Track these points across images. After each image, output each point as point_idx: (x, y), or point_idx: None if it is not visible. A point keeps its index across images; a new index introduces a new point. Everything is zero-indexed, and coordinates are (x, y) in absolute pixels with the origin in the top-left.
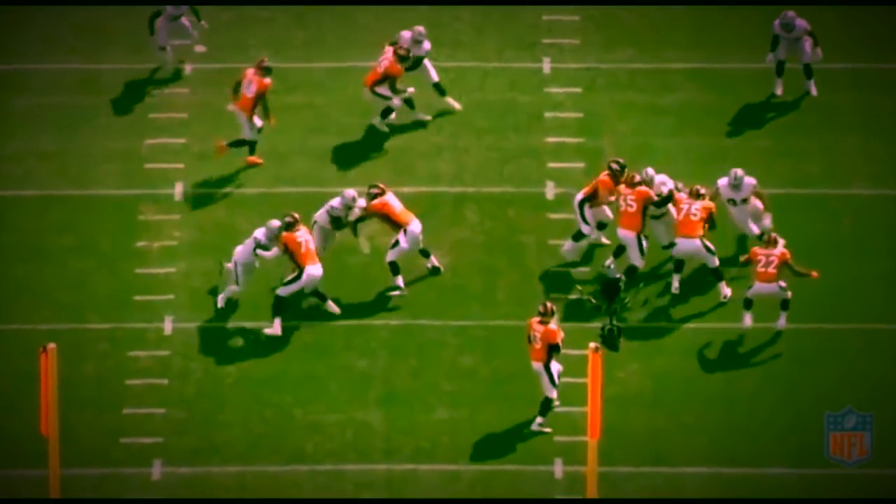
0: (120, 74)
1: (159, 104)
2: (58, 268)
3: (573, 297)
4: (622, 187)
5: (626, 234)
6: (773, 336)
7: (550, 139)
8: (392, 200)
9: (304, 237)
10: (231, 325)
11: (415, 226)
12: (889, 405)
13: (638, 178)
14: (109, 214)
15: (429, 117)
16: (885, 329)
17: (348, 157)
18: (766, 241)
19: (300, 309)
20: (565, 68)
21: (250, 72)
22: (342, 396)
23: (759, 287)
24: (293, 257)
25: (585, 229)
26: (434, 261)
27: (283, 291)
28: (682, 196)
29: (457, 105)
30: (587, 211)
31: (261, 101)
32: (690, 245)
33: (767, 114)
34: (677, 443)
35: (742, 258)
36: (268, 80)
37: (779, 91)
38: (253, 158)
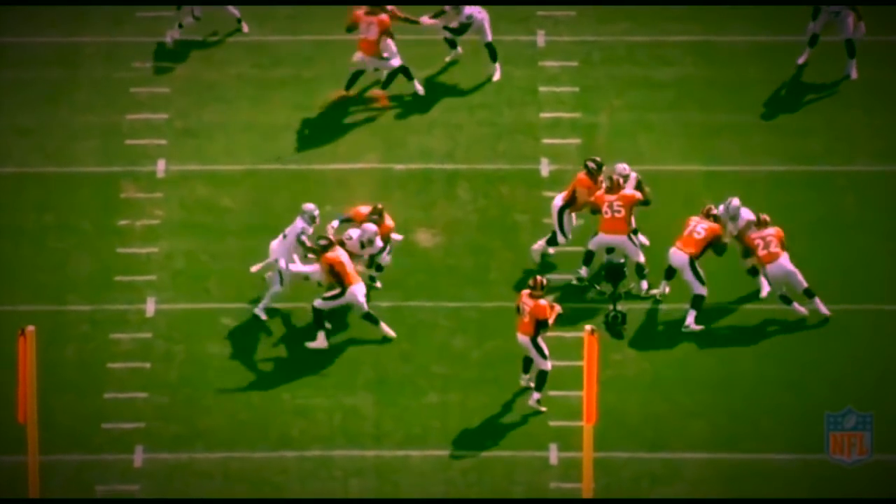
0: (100, 48)
1: (141, 78)
2: (36, 247)
3: (574, 282)
4: (605, 194)
5: (616, 238)
6: (774, 317)
7: (545, 114)
8: (344, 257)
9: (345, 256)
10: (216, 306)
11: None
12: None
13: (621, 181)
14: (90, 192)
15: (422, 91)
16: (890, 310)
17: (337, 133)
18: (757, 223)
19: (293, 295)
20: (560, 41)
21: (361, 14)
22: (330, 380)
23: (770, 269)
24: (339, 278)
25: (561, 239)
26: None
27: (322, 305)
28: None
29: (497, 75)
30: (566, 217)
31: (385, 35)
32: (680, 259)
33: (767, 88)
34: (676, 427)
35: (741, 251)
36: (385, 16)
37: (801, 60)
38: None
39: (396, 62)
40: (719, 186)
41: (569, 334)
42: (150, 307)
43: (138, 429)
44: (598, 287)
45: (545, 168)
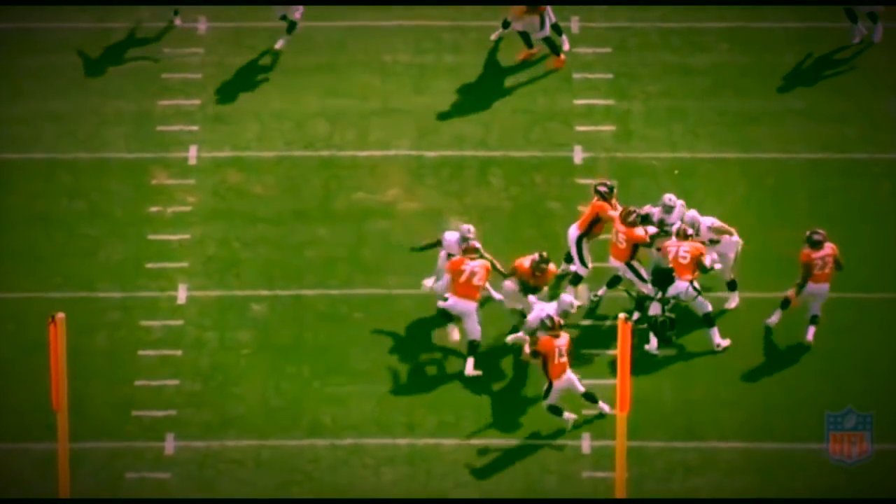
0: (132, 33)
1: (172, 63)
2: (67, 234)
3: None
4: (617, 223)
5: (617, 263)
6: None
7: (579, 101)
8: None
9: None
10: (247, 293)
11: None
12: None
13: (633, 215)
14: (121, 179)
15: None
16: None
17: (369, 119)
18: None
19: (320, 280)
20: (595, 27)
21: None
22: (362, 368)
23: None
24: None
25: (582, 270)
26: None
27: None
28: (670, 241)
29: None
30: (585, 247)
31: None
32: (681, 287)
33: (803, 75)
34: (710, 417)
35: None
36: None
37: (856, 39)
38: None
39: (546, 32)
40: (755, 174)
41: (602, 323)
42: (182, 294)
43: (169, 416)
44: (632, 294)
45: (578, 155)
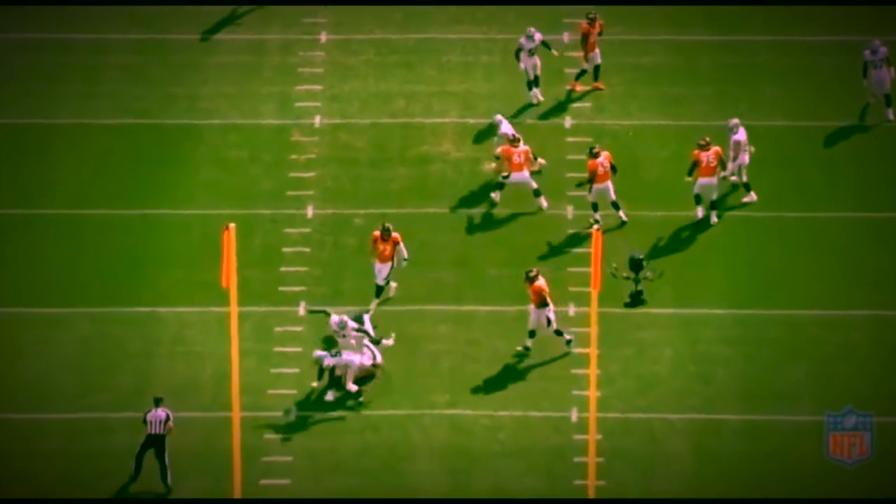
0: (278, 42)
1: (304, 62)
2: (235, 173)
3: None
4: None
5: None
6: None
7: (567, 87)
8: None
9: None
10: (352, 211)
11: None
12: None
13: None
14: (271, 136)
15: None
16: None
17: (430, 98)
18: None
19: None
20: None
21: (585, 24)
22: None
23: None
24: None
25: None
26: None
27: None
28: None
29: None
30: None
31: (585, 42)
32: (709, 182)
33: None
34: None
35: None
36: (593, 27)
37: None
38: (597, 84)
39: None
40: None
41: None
42: (310, 212)
43: (302, 291)
44: (623, 274)
45: (568, 122)
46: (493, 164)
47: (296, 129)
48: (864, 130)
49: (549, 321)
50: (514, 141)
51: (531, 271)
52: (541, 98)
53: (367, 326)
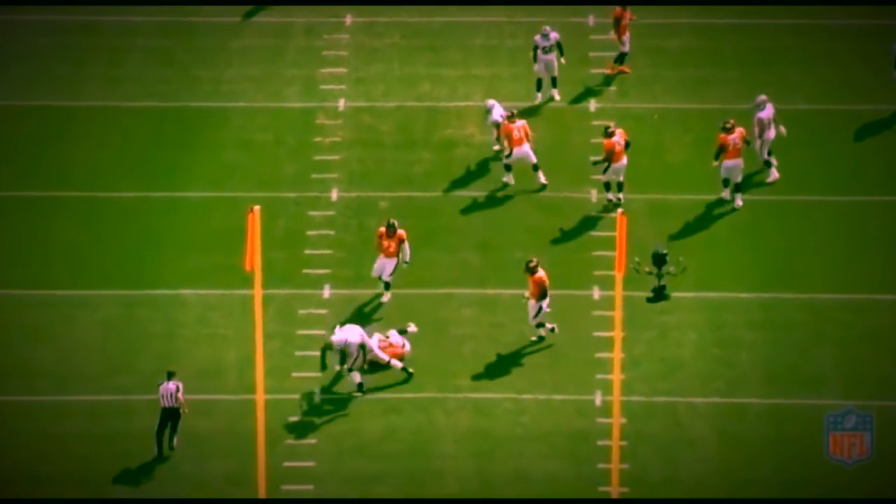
0: (303, 25)
1: (329, 45)
2: (260, 156)
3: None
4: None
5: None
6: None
7: (594, 71)
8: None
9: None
10: (376, 194)
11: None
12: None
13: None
14: (296, 119)
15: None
16: None
17: (455, 82)
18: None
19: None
20: (606, 22)
21: (618, 9)
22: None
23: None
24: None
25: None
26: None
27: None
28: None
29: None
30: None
31: (618, 25)
32: (736, 164)
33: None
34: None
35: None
36: (626, 12)
37: None
38: (622, 68)
39: (624, 48)
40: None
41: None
42: (334, 194)
43: (326, 274)
44: (646, 269)
45: (593, 105)
46: (497, 146)
47: (320, 111)
48: (890, 114)
49: (538, 311)
50: (510, 117)
51: (531, 262)
52: (557, 98)
53: (372, 342)
